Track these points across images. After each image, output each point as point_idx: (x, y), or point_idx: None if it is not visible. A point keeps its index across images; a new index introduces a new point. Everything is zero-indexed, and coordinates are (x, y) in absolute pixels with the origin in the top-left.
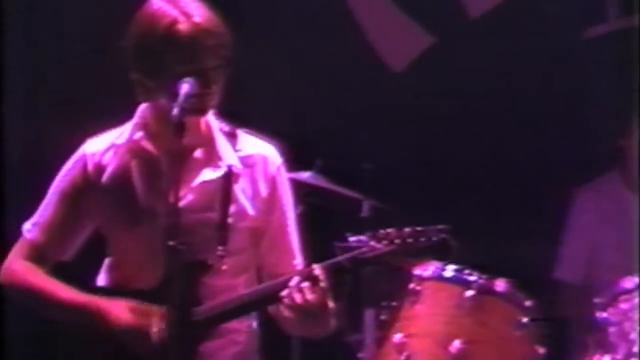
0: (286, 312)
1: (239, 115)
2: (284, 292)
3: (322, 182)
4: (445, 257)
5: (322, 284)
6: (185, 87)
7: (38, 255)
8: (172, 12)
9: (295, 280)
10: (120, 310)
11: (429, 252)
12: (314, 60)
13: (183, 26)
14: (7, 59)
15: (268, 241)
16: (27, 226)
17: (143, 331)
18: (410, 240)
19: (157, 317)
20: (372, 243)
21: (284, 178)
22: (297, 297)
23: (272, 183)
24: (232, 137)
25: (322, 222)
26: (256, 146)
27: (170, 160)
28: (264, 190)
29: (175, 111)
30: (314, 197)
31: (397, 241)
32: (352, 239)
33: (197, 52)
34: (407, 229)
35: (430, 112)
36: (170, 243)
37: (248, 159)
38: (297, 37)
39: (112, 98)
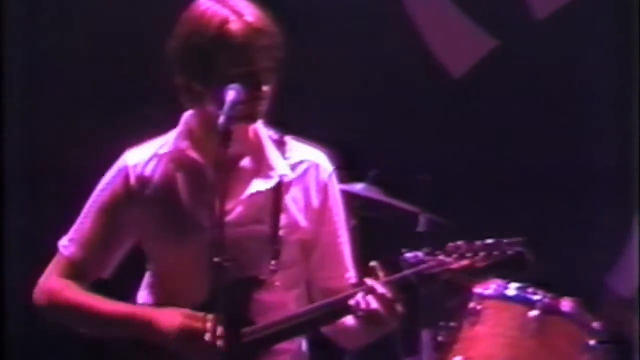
0: (351, 322)
1: (286, 123)
2: (353, 302)
3: (376, 194)
4: (520, 272)
5: (388, 295)
6: (231, 94)
7: (76, 272)
8: (223, 11)
9: (360, 295)
10: (173, 317)
11: (503, 267)
12: (368, 66)
13: (235, 26)
14: (6, 59)
15: (319, 254)
16: (63, 242)
17: (198, 337)
18: (482, 254)
19: (212, 322)
20: (442, 257)
21: (336, 186)
22: (370, 305)
23: (324, 192)
24: (280, 144)
25: (376, 237)
26: (306, 153)
27: (218, 170)
28: (315, 200)
29: (221, 119)
30: (368, 210)
31: (468, 255)
32: (408, 255)
33: (249, 52)
34: (478, 242)
35: (490, 119)
36: (216, 260)
37: (299, 166)
38: (350, 42)
39: (112, 98)
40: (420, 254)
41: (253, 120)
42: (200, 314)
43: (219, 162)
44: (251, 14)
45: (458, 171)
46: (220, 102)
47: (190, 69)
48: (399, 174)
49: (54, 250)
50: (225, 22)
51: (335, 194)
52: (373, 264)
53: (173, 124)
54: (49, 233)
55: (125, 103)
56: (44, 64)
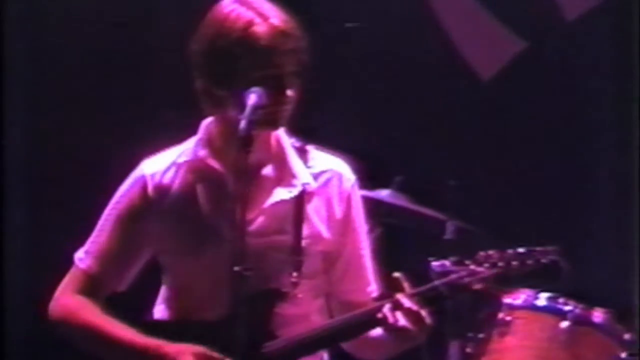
0: (375, 334)
1: (307, 130)
2: (380, 315)
3: (401, 201)
4: (555, 281)
5: (416, 309)
6: (253, 98)
7: (92, 286)
8: (248, 13)
9: (387, 308)
10: (187, 356)
11: (536, 277)
12: (392, 69)
13: (260, 28)
14: (7, 59)
15: (341, 266)
16: (79, 255)
17: None
18: (515, 263)
19: None
20: (472, 267)
21: (358, 197)
22: (398, 320)
23: (347, 202)
24: (302, 153)
25: (401, 245)
26: (329, 162)
27: (238, 177)
28: (338, 211)
29: (242, 124)
30: (393, 217)
31: (500, 264)
32: (435, 263)
33: (274, 55)
34: (510, 251)
35: (519, 123)
36: (236, 269)
37: (321, 175)
38: (373, 44)
39: (114, 99)
40: (447, 263)
41: (276, 125)
42: (216, 354)
43: (239, 168)
44: (276, 17)
45: (487, 176)
46: (242, 106)
47: (213, 72)
48: (425, 179)
49: (54, 250)
50: (250, 24)
51: (357, 204)
52: (397, 275)
53: (189, 131)
54: (50, 234)
55: (127, 104)
56: (46, 64)
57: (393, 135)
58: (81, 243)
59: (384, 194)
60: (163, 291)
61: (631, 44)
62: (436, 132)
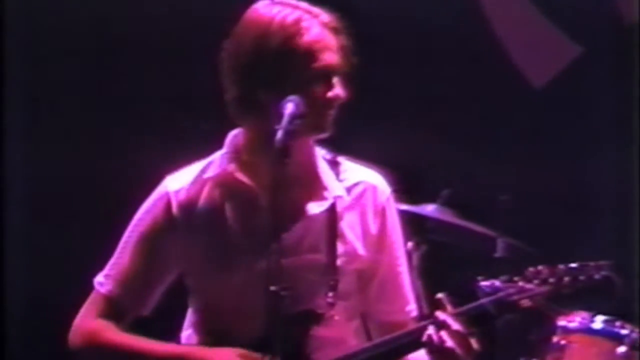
0: (417, 356)
1: (341, 141)
2: (424, 337)
3: (448, 216)
4: (608, 299)
5: (462, 330)
6: (289, 107)
7: (114, 311)
8: (295, 12)
9: (431, 329)
10: (228, 357)
11: (589, 293)
12: (437, 76)
13: (310, 25)
14: (7, 59)
15: (378, 285)
16: (99, 278)
17: None
18: (567, 279)
19: None
20: (521, 283)
21: (394, 210)
22: (444, 342)
23: (382, 216)
24: (334, 165)
25: (448, 264)
26: (362, 174)
27: (271, 193)
28: (373, 226)
29: (278, 135)
30: (440, 234)
31: (551, 280)
32: (484, 283)
33: (326, 53)
34: (561, 266)
35: (575, 134)
36: (273, 288)
37: (354, 188)
38: (418, 49)
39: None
40: (497, 282)
41: (322, 130)
42: (257, 355)
43: (275, 182)
44: (325, 14)
45: (540, 191)
46: (278, 115)
47: (259, 75)
48: (474, 193)
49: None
50: (299, 20)
51: (393, 218)
52: (440, 295)
53: (214, 145)
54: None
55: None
56: (47, 64)
57: (439, 145)
58: (81, 247)
59: (429, 209)
60: (190, 315)
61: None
62: (485, 143)
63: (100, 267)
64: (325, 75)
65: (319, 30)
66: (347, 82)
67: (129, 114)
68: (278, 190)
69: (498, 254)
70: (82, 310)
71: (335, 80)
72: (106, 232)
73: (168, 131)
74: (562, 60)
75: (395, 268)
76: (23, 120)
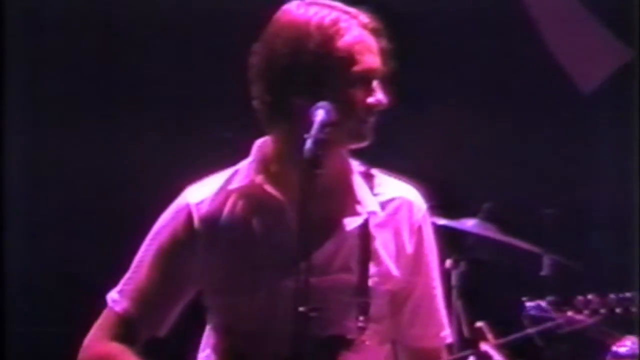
0: None
1: (375, 153)
2: None
3: (491, 232)
4: None
5: None
6: (320, 114)
7: (128, 331)
8: (332, 13)
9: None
10: None
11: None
12: (479, 84)
13: (350, 26)
14: (7, 59)
15: (411, 308)
16: (112, 295)
17: None
18: (618, 310)
19: None
20: (570, 313)
21: (430, 228)
22: None
23: (418, 235)
24: (368, 177)
25: (490, 283)
26: (397, 189)
27: (300, 207)
28: (409, 245)
29: (308, 144)
30: (481, 251)
31: (602, 311)
32: (529, 304)
33: (366, 55)
34: (612, 295)
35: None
36: (301, 309)
37: (389, 204)
38: (457, 56)
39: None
40: (543, 304)
41: (362, 139)
42: None
43: (305, 195)
44: (363, 15)
45: (589, 206)
46: (308, 123)
47: (296, 78)
48: (518, 207)
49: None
50: (337, 21)
51: (429, 236)
52: (479, 324)
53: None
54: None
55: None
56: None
57: (480, 157)
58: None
59: (470, 224)
60: (208, 336)
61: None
62: (529, 154)
63: (103, 275)
64: (366, 80)
65: (358, 31)
66: (388, 86)
67: (145, 120)
68: (308, 203)
69: (544, 273)
70: (94, 330)
71: (376, 84)
72: (116, 244)
73: (186, 138)
74: (612, 65)
75: (430, 290)
76: (24, 129)
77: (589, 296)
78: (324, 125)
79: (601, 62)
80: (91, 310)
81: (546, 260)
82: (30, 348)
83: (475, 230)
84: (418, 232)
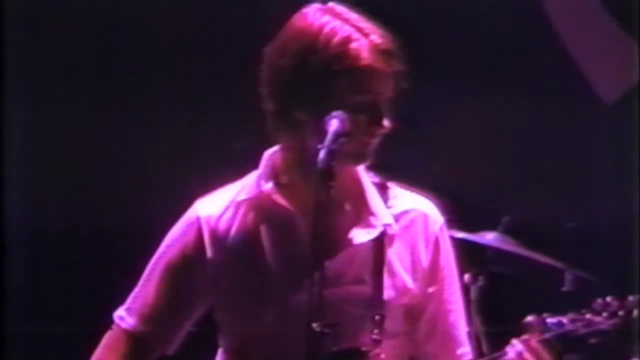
0: None
1: (391, 166)
2: None
3: (510, 245)
4: None
5: None
6: (334, 124)
7: (137, 350)
8: (345, 28)
9: None
10: None
11: None
12: (495, 91)
13: (361, 45)
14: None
15: (427, 323)
16: (119, 313)
17: None
18: (637, 311)
19: None
20: (589, 316)
21: (448, 241)
22: None
23: (434, 247)
24: (382, 189)
25: (509, 298)
26: (413, 201)
27: (312, 218)
28: (424, 258)
29: (321, 155)
30: (500, 265)
31: (620, 313)
32: (550, 320)
33: (375, 78)
34: (631, 298)
35: None
36: (315, 326)
37: (404, 216)
38: (472, 62)
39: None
40: (564, 320)
41: (362, 159)
42: None
43: (317, 207)
44: (377, 34)
45: (611, 218)
46: (321, 133)
47: (299, 92)
48: (539, 221)
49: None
50: (348, 40)
51: (447, 250)
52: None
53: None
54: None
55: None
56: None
57: (499, 168)
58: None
59: (489, 237)
60: (220, 356)
61: None
62: (550, 165)
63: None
64: (370, 106)
65: (368, 54)
66: (395, 109)
67: (154, 131)
68: (321, 216)
69: (566, 288)
70: (100, 349)
71: (382, 108)
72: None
73: (194, 148)
74: (636, 75)
75: (447, 305)
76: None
77: (608, 299)
78: (338, 135)
79: (624, 71)
80: (92, 311)
81: (568, 276)
82: (30, 348)
83: (495, 243)
84: (434, 244)
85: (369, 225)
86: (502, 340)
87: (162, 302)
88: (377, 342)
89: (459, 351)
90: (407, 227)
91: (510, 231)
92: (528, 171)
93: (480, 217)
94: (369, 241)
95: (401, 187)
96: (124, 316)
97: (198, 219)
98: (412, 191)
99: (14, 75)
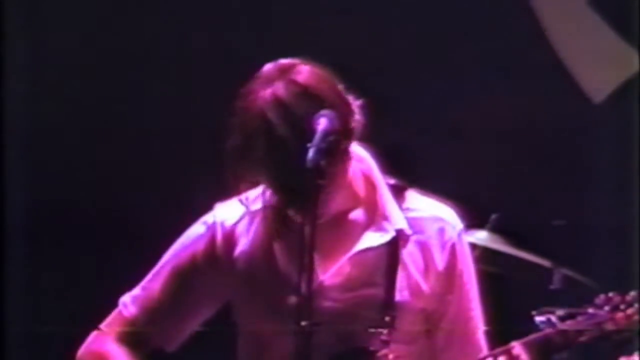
0: None
1: (404, 169)
2: None
3: (498, 244)
4: None
5: None
6: (322, 122)
7: (134, 338)
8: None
9: None
10: None
11: None
12: (489, 90)
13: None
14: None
15: (445, 330)
16: (125, 298)
17: None
18: (637, 305)
19: None
20: (591, 310)
21: (466, 248)
22: None
23: (451, 253)
24: (398, 192)
25: (500, 296)
26: (429, 206)
27: (311, 221)
28: (440, 262)
29: (310, 153)
30: (488, 264)
31: (622, 307)
32: (538, 318)
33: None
34: (633, 293)
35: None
36: (304, 324)
37: (419, 221)
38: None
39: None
40: (553, 317)
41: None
42: None
43: (311, 207)
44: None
45: (600, 217)
46: (310, 132)
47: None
48: (526, 218)
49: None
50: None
51: (465, 256)
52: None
53: None
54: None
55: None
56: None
57: (486, 165)
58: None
59: (477, 235)
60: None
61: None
62: (537, 162)
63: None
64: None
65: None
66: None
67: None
68: (313, 217)
69: (554, 287)
70: (102, 326)
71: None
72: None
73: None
74: (623, 73)
75: (467, 312)
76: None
77: (610, 294)
78: (326, 134)
79: (613, 69)
80: (92, 310)
81: (556, 274)
82: (30, 348)
83: (483, 242)
84: (451, 250)
85: (382, 229)
86: (492, 338)
87: (165, 301)
88: (386, 343)
89: (479, 357)
90: (422, 231)
91: (499, 229)
92: (517, 169)
93: (469, 215)
94: (382, 245)
95: (419, 192)
96: (128, 303)
97: (214, 223)
98: (430, 197)
99: (13, 73)
